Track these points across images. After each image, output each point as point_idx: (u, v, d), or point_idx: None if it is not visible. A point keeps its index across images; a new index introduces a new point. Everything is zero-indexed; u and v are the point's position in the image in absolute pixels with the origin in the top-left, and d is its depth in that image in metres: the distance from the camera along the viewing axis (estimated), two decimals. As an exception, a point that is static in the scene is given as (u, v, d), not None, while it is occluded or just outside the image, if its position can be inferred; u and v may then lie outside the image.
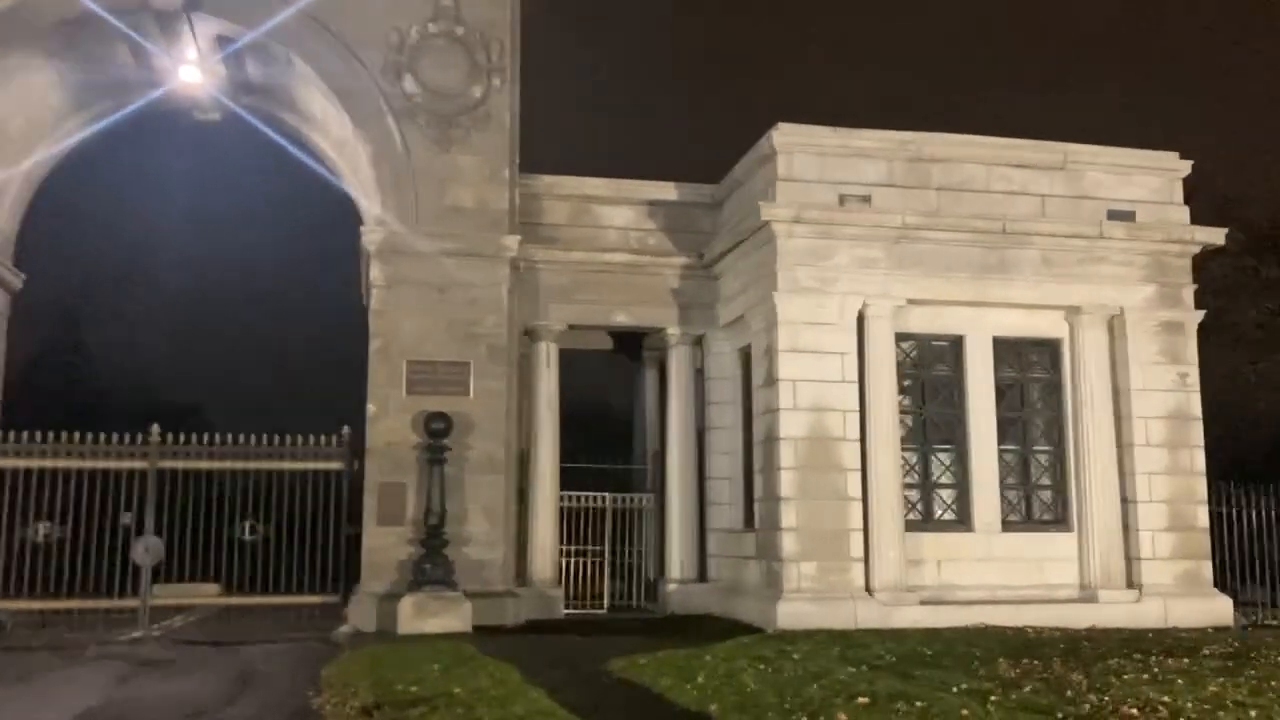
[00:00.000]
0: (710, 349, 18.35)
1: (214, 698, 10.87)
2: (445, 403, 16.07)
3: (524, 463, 17.33)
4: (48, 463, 15.68)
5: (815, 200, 15.88)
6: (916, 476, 16.26)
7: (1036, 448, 16.74)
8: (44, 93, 17.43)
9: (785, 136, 16.05)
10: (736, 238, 16.92)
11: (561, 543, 17.82)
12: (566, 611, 17.20)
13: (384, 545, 15.80)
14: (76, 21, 15.90)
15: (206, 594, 17.05)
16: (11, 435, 15.90)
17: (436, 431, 15.60)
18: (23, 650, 14.10)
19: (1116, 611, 15.43)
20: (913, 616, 14.74)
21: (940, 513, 16.26)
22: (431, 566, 15.23)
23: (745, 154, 17.11)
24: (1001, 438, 16.43)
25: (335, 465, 16.42)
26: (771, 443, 15.57)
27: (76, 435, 15.82)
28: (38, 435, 15.79)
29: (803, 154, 16.10)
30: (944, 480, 16.37)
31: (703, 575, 18.07)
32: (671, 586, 17.95)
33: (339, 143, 18.13)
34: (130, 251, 31.65)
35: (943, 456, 16.43)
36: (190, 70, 17.05)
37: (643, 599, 18.54)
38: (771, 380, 15.70)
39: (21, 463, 15.73)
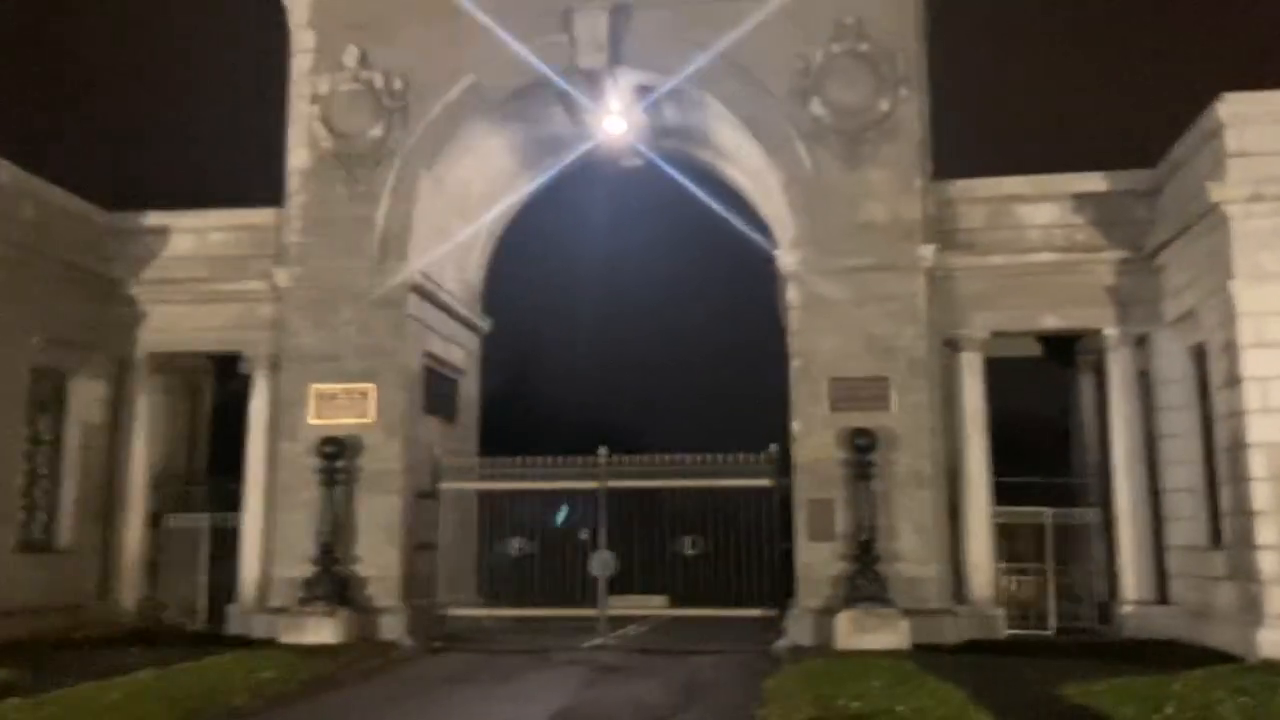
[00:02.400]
0: (1156, 349, 16.78)
1: (666, 704, 11.63)
2: (867, 418, 16.06)
3: (952, 477, 16.82)
4: (516, 485, 17.63)
5: (1276, 174, 14.10)
6: None
7: None
8: (497, 156, 19.73)
9: (1233, 107, 14.42)
10: (1180, 224, 15.40)
11: (998, 560, 17.07)
12: (1008, 632, 16.43)
13: (816, 561, 16.02)
14: (522, 90, 17.88)
15: (655, 605, 18.27)
16: (487, 462, 18.16)
17: (861, 447, 15.70)
18: (503, 653, 15.99)
19: None
20: None
21: None
22: (865, 582, 15.27)
23: (1184, 132, 15.56)
24: None
25: (765, 482, 16.98)
26: (1238, 450, 13.95)
27: (538, 459, 17.67)
28: (506, 460, 17.85)
29: (1256, 124, 14.39)
30: None
31: (1162, 597, 16.48)
32: (1126, 608, 16.54)
33: (752, 172, 18.81)
34: (566, 291, 34.92)
35: None
36: (616, 121, 18.56)
37: (1093, 621, 17.26)
38: (1234, 380, 14.08)
39: (496, 485, 17.85)
